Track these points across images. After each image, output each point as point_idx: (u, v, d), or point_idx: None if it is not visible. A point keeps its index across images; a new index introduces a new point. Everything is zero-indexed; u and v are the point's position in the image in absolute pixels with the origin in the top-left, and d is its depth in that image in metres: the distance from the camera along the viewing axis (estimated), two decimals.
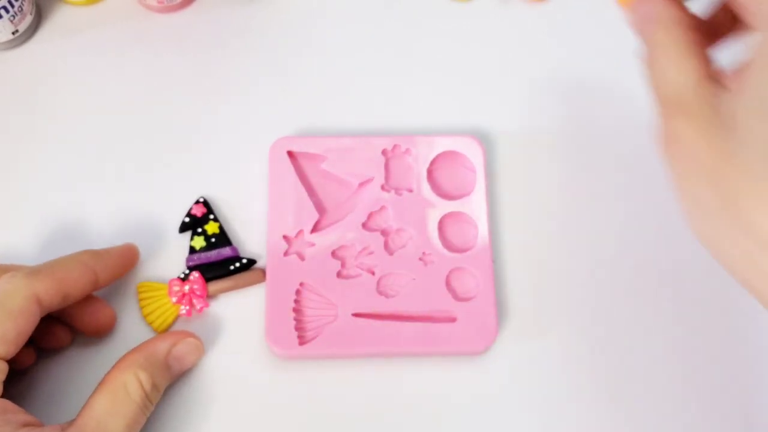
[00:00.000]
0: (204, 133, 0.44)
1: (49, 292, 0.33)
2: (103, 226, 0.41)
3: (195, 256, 0.40)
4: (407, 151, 0.42)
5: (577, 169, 0.44)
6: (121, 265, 0.38)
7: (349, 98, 0.45)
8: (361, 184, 0.42)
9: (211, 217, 0.41)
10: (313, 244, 0.40)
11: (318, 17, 0.48)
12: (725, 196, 0.25)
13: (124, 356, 0.35)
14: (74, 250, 0.41)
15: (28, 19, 0.44)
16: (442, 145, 0.42)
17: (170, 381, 0.36)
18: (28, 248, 0.41)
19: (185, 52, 0.46)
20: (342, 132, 0.44)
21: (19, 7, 0.43)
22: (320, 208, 0.41)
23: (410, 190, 0.42)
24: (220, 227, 0.41)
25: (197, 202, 0.42)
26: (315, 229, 0.41)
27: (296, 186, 0.41)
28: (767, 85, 0.24)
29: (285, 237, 0.40)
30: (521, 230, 0.42)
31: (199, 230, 0.41)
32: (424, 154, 0.42)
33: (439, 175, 0.43)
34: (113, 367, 0.34)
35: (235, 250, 0.41)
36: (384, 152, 0.42)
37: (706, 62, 0.27)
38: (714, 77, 0.26)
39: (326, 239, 0.40)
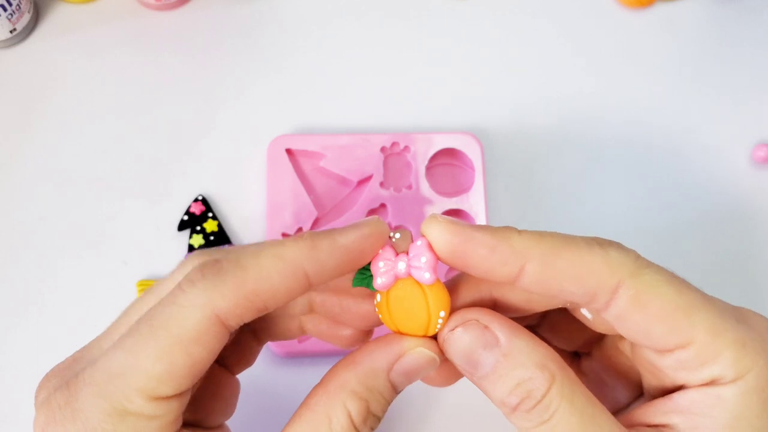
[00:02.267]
0: (202, 131, 0.44)
1: (236, 310, 0.23)
2: (101, 224, 0.41)
3: None
4: (406, 148, 0.42)
5: (574, 166, 0.44)
6: (349, 262, 0.24)
7: (347, 96, 0.45)
8: (360, 182, 0.42)
9: (210, 215, 0.41)
10: None
11: (316, 15, 0.47)
12: None
13: (334, 371, 0.26)
14: (73, 249, 0.41)
15: (26, 17, 0.44)
16: (441, 142, 0.42)
17: (392, 400, 0.26)
18: (27, 248, 0.41)
19: (183, 51, 0.46)
20: (340, 130, 0.44)
21: (17, 5, 0.43)
22: (319, 205, 0.41)
23: (409, 188, 0.42)
24: (219, 225, 0.41)
25: (196, 200, 0.42)
26: (314, 226, 0.41)
27: (295, 184, 0.41)
28: None
29: (284, 235, 0.40)
30: (519, 227, 0.42)
31: (198, 228, 0.41)
32: (422, 151, 0.42)
33: (438, 172, 0.43)
34: (319, 385, 0.26)
35: None
36: (383, 150, 0.42)
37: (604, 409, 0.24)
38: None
39: None
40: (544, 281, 0.24)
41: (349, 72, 0.46)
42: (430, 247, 0.24)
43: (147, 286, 0.40)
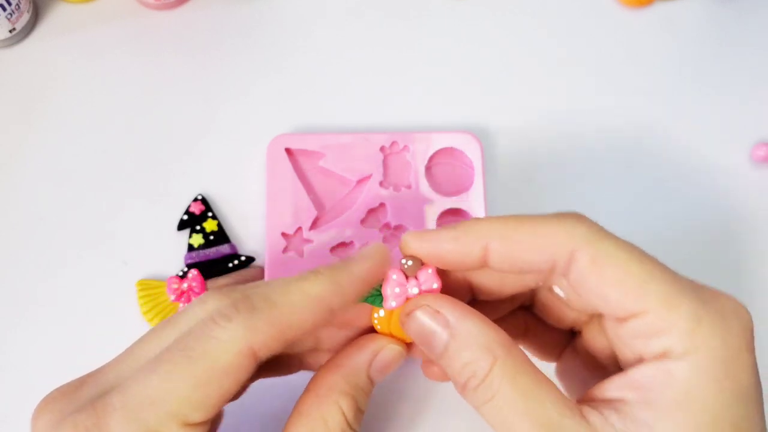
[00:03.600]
0: (202, 131, 0.44)
1: (268, 344, 0.24)
2: (101, 224, 0.41)
3: (193, 254, 0.40)
4: (405, 147, 0.42)
5: (574, 165, 0.44)
6: (364, 289, 0.27)
7: (346, 95, 0.45)
8: (360, 181, 0.42)
9: (210, 214, 0.41)
10: (311, 241, 0.40)
11: (316, 15, 0.47)
12: None
13: (320, 377, 0.28)
14: (73, 249, 0.41)
15: (26, 17, 0.44)
16: (440, 141, 0.42)
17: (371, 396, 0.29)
18: (27, 247, 0.41)
19: (183, 50, 0.46)
20: (340, 129, 0.44)
21: (17, 4, 0.43)
22: (318, 205, 0.41)
23: (408, 187, 0.42)
24: (219, 225, 0.41)
25: (195, 199, 0.42)
26: (313, 226, 0.41)
27: (294, 183, 0.41)
28: (692, 427, 0.23)
29: (283, 234, 0.40)
30: None
31: (198, 228, 0.41)
32: (422, 150, 0.42)
33: (437, 171, 0.43)
34: (308, 392, 0.27)
35: (233, 247, 0.41)
36: (382, 149, 0.42)
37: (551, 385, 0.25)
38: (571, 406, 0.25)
39: (325, 236, 0.40)
40: (508, 255, 0.26)
41: (349, 71, 0.46)
42: (437, 273, 0.28)
43: (147, 285, 0.40)
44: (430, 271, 0.28)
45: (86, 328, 0.40)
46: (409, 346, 0.29)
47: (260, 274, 0.40)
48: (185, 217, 0.41)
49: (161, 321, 0.27)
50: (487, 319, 0.26)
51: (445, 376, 0.29)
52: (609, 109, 0.46)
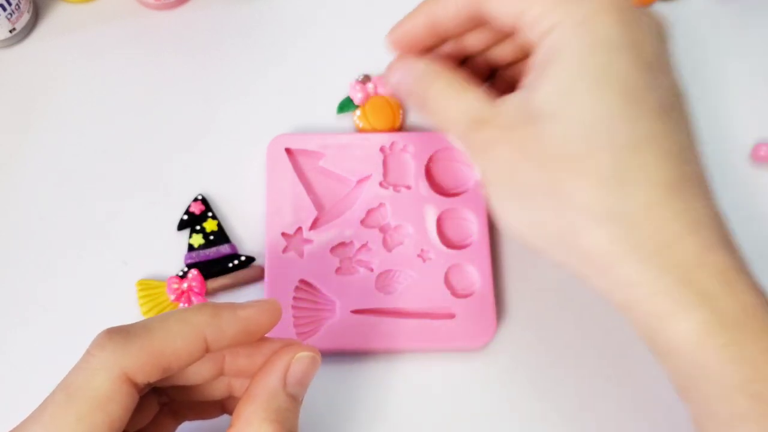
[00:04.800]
0: (202, 131, 0.44)
1: (143, 369, 0.25)
2: (101, 224, 0.41)
3: (193, 254, 0.40)
4: (405, 147, 0.42)
5: None
6: (246, 333, 0.28)
7: (347, 95, 0.45)
8: (359, 181, 0.42)
9: (210, 214, 0.41)
10: (311, 241, 0.40)
11: (316, 14, 0.47)
12: (546, 180, 0.29)
13: (239, 412, 0.27)
14: (73, 249, 0.41)
15: (26, 17, 0.44)
16: (440, 141, 0.42)
17: (299, 410, 0.29)
18: (27, 247, 0.41)
19: (183, 50, 0.46)
20: (340, 129, 0.44)
21: (17, 5, 0.43)
22: (318, 205, 0.41)
23: (408, 187, 0.42)
24: (219, 225, 0.41)
25: (195, 199, 0.42)
26: (313, 226, 0.41)
27: (294, 183, 0.41)
28: (563, 77, 0.28)
29: (283, 234, 0.40)
30: None
31: (198, 228, 0.41)
32: (421, 150, 0.42)
33: (437, 171, 0.43)
34: (230, 429, 0.27)
35: (233, 247, 0.41)
36: (382, 149, 0.42)
37: (478, 87, 0.32)
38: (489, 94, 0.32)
39: (325, 236, 0.40)
40: None
41: (349, 71, 0.46)
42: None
43: (147, 285, 0.40)
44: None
45: (86, 328, 0.39)
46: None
47: (260, 274, 0.40)
48: (185, 217, 0.41)
49: None
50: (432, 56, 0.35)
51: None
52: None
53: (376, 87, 0.44)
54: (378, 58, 0.46)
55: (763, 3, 0.49)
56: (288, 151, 0.42)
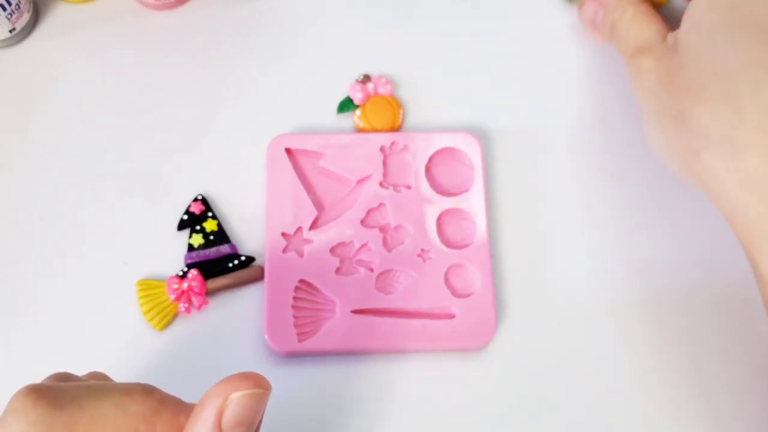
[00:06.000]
0: (202, 131, 0.44)
1: None
2: (101, 224, 0.41)
3: (193, 254, 0.40)
4: (405, 147, 0.42)
5: (574, 165, 0.44)
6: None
7: (347, 95, 0.45)
8: (360, 181, 0.42)
9: (210, 214, 0.41)
10: (311, 241, 0.40)
11: (316, 14, 0.47)
12: (676, 105, 0.32)
13: None
14: (73, 249, 0.41)
15: (26, 17, 0.44)
16: (440, 141, 0.42)
17: None
18: (27, 247, 0.41)
19: (183, 50, 0.46)
20: (340, 129, 0.44)
21: (17, 4, 0.43)
22: (318, 205, 0.41)
23: (408, 187, 0.42)
24: (219, 225, 0.41)
25: (195, 199, 0.42)
26: (313, 226, 0.41)
27: (294, 183, 0.41)
28: (698, 10, 0.32)
29: (283, 234, 0.40)
30: (520, 226, 0.42)
31: (198, 228, 0.41)
32: (422, 150, 0.42)
33: (438, 171, 0.43)
34: None
35: (233, 247, 0.41)
36: (382, 149, 0.42)
37: (662, 22, 0.37)
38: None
39: (325, 236, 0.40)
40: None
41: (349, 71, 0.46)
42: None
43: (147, 285, 0.40)
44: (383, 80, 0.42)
45: (86, 328, 0.40)
46: None
47: (260, 274, 0.40)
48: (185, 217, 0.41)
49: None
50: None
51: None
52: (609, 109, 0.46)
53: (376, 87, 0.44)
54: (378, 58, 0.47)
55: None
56: (288, 151, 0.42)
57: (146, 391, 0.23)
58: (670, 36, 0.35)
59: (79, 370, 0.38)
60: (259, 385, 0.24)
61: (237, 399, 0.23)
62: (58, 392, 0.22)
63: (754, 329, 0.40)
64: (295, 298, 0.39)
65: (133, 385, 0.23)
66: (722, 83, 0.30)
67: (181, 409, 0.24)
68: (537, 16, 0.48)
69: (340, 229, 0.41)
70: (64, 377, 0.26)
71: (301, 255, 0.40)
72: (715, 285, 0.42)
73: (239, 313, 0.40)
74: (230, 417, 0.23)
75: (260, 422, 0.25)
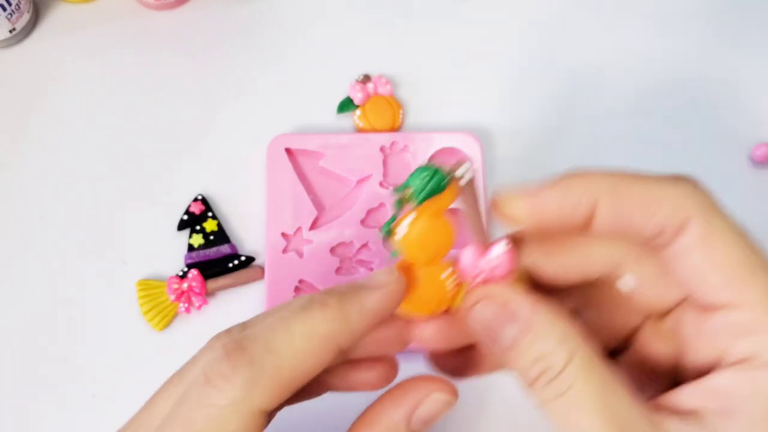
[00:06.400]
0: (202, 131, 0.44)
1: (275, 399, 0.22)
2: (101, 223, 0.41)
3: (193, 254, 0.40)
4: (405, 147, 0.42)
5: (573, 164, 0.44)
6: (377, 323, 0.24)
7: (347, 95, 0.45)
8: (360, 181, 0.42)
9: (210, 214, 0.41)
10: (311, 241, 0.40)
11: (316, 14, 0.47)
12: None
13: None
14: (73, 249, 0.41)
15: (26, 17, 0.44)
16: (440, 141, 0.42)
17: None
18: (27, 247, 0.41)
19: (183, 50, 0.46)
20: (340, 129, 0.44)
21: (17, 5, 0.43)
22: (318, 205, 0.41)
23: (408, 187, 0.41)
24: (219, 225, 0.41)
25: (195, 199, 0.42)
26: (313, 226, 0.41)
27: (294, 183, 0.41)
28: (730, 396, 0.22)
29: (283, 234, 0.40)
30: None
31: (198, 228, 0.41)
32: (422, 150, 0.42)
33: None
34: None
35: (233, 247, 0.41)
36: (382, 149, 0.42)
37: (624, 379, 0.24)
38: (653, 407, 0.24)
39: (325, 236, 0.40)
40: (616, 215, 0.23)
41: (349, 71, 0.46)
42: (513, 251, 0.25)
43: (147, 285, 0.40)
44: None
45: (86, 327, 0.40)
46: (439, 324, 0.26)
47: (260, 274, 0.40)
48: (185, 217, 0.41)
49: (172, 375, 0.24)
50: (557, 309, 0.24)
51: (462, 372, 0.28)
52: (609, 109, 0.46)
53: (376, 87, 0.44)
54: (378, 58, 0.46)
55: (764, 3, 0.49)
56: (288, 151, 0.42)
57: (322, 304, 0.23)
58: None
59: (79, 370, 0.38)
60: (455, 395, 0.25)
61: (436, 400, 0.24)
62: (249, 345, 0.22)
63: None
64: (295, 298, 0.39)
65: (311, 305, 0.23)
66: None
67: (363, 299, 0.23)
68: (537, 15, 0.48)
69: (340, 229, 0.41)
70: None
71: (301, 255, 0.40)
72: None
73: (239, 313, 0.40)
74: (422, 414, 0.24)
75: None
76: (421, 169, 0.24)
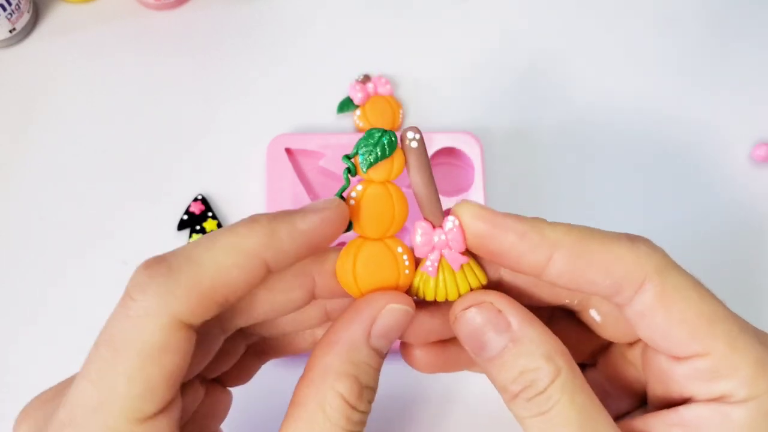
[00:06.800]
0: (202, 131, 0.44)
1: (197, 310, 0.21)
2: (101, 223, 0.42)
3: None
4: None
5: (574, 166, 0.44)
6: (310, 247, 0.23)
7: (347, 95, 0.45)
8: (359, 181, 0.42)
9: (210, 214, 0.41)
10: None
11: (316, 14, 0.47)
12: None
13: (314, 358, 0.24)
14: (73, 249, 0.41)
15: (26, 17, 0.44)
16: (440, 141, 0.42)
17: (381, 366, 0.25)
18: (27, 247, 0.41)
19: (183, 50, 0.46)
20: (339, 129, 0.44)
21: (17, 5, 0.43)
22: None
23: (408, 187, 0.41)
24: (219, 225, 0.41)
25: (195, 199, 0.42)
26: None
27: (294, 183, 0.41)
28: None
29: None
30: None
31: (198, 228, 0.41)
32: None
33: (437, 171, 0.43)
34: (303, 378, 0.24)
35: None
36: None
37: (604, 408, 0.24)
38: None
39: None
40: (571, 272, 0.23)
41: (349, 71, 0.46)
42: (463, 233, 0.24)
43: None
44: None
45: (86, 327, 0.40)
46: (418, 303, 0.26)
47: None
48: (185, 217, 0.41)
49: None
50: (546, 327, 0.24)
51: (434, 367, 0.28)
52: (609, 109, 0.46)
53: (376, 87, 0.44)
54: (378, 58, 0.47)
55: (765, 3, 0.49)
56: (288, 151, 0.42)
57: (251, 220, 0.22)
58: None
59: (77, 370, 0.38)
60: (410, 305, 0.25)
61: (391, 310, 0.24)
62: (170, 257, 0.22)
63: None
64: None
65: (240, 222, 0.22)
66: None
67: (296, 218, 0.23)
68: (537, 15, 0.48)
69: None
70: None
71: None
72: (723, 284, 0.42)
73: None
74: (380, 326, 0.24)
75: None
76: (368, 134, 0.24)
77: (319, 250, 0.24)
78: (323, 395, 0.23)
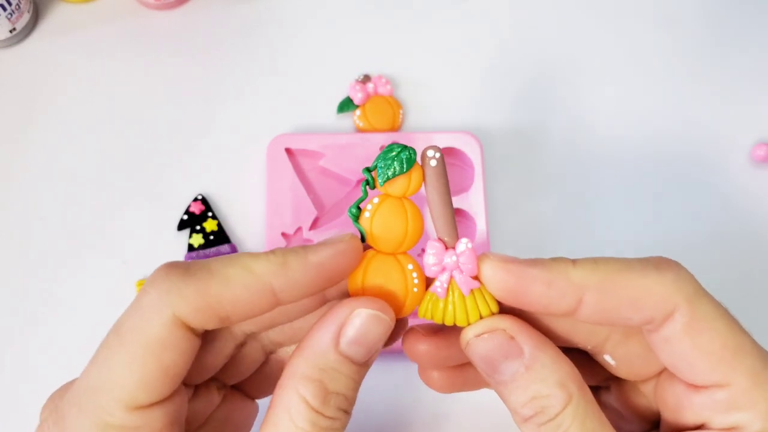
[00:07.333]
0: (202, 131, 0.44)
1: (198, 315, 0.22)
2: (101, 223, 0.41)
3: (193, 254, 0.40)
4: None
5: (574, 166, 0.44)
6: (321, 280, 0.24)
7: (347, 95, 0.45)
8: (359, 181, 0.42)
9: (210, 214, 0.41)
10: (311, 241, 0.40)
11: (316, 14, 0.47)
12: None
13: (287, 363, 0.24)
14: (73, 249, 0.41)
15: (26, 17, 0.44)
16: (440, 141, 0.42)
17: (361, 374, 0.24)
18: (27, 247, 0.41)
19: (183, 50, 0.46)
20: (339, 129, 0.44)
21: (17, 5, 0.43)
22: (318, 205, 0.41)
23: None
24: (219, 225, 0.41)
25: (195, 199, 0.42)
26: (313, 226, 0.41)
27: (294, 183, 0.41)
28: None
29: (283, 234, 0.40)
30: (519, 225, 0.42)
31: (198, 228, 0.41)
32: (421, 150, 0.42)
33: None
34: (276, 385, 0.24)
35: (233, 247, 0.41)
36: (382, 149, 0.42)
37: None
38: None
39: (325, 236, 0.40)
40: (602, 311, 0.24)
41: (349, 71, 0.46)
42: (476, 257, 0.24)
43: None
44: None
45: (86, 327, 0.40)
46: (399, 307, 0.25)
47: None
48: (185, 217, 0.41)
49: None
50: (560, 352, 0.24)
51: (452, 387, 0.28)
52: (608, 110, 0.46)
53: (376, 87, 0.44)
54: (378, 58, 0.47)
55: (765, 3, 0.49)
56: (288, 151, 0.42)
57: (271, 250, 0.23)
58: None
59: (78, 370, 0.38)
60: (384, 311, 0.24)
61: (359, 315, 0.24)
62: (190, 263, 0.23)
63: None
64: None
65: (263, 251, 0.23)
66: None
67: (308, 252, 0.23)
68: (537, 16, 0.48)
69: (340, 229, 0.41)
70: None
71: None
72: (723, 283, 0.42)
73: None
74: (350, 333, 0.23)
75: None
76: (388, 149, 0.24)
77: (333, 283, 0.24)
78: (289, 398, 0.23)
